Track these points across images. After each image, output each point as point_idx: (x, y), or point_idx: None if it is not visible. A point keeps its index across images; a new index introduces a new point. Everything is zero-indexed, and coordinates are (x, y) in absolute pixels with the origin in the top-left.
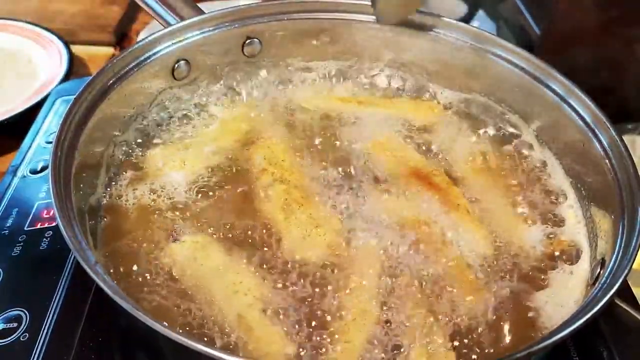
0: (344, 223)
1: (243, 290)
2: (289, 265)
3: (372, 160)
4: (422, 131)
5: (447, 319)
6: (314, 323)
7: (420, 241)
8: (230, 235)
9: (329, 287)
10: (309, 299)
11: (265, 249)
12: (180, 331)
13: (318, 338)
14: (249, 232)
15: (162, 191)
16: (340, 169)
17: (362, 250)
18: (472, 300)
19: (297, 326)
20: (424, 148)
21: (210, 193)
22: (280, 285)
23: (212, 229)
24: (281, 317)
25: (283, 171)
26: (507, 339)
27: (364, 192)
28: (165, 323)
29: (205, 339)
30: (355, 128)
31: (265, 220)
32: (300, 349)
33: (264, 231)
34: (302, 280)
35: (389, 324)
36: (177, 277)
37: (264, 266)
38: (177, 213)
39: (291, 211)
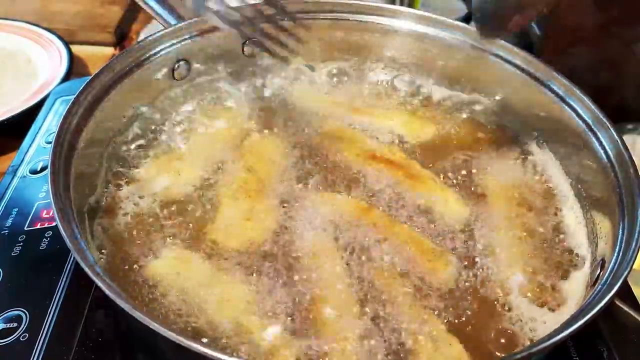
0: (281, 223)
1: (234, 297)
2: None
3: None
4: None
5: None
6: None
7: (372, 229)
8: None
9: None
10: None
11: (198, 228)
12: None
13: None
14: (196, 213)
15: (154, 199)
16: (315, 173)
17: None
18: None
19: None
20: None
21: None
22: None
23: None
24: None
25: (257, 162)
26: (506, 340)
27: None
28: (164, 324)
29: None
30: (354, 137)
31: (216, 203)
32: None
33: (207, 212)
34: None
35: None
36: (169, 287)
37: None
38: (166, 222)
39: (236, 199)
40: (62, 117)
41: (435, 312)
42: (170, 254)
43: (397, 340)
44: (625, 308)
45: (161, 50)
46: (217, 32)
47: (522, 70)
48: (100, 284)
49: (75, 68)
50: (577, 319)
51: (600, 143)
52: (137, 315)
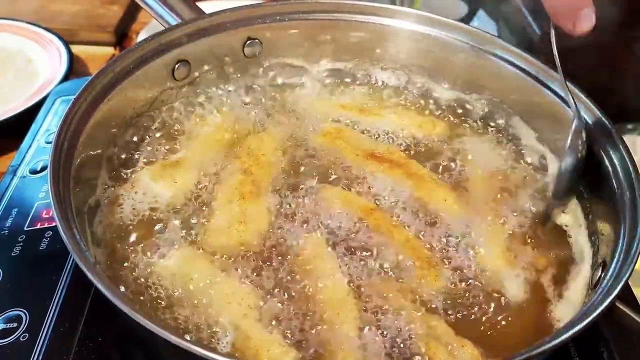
0: (274, 226)
1: (236, 300)
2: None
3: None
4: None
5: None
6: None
7: (371, 226)
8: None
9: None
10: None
11: (198, 230)
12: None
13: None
14: (195, 215)
15: (153, 199)
16: (311, 172)
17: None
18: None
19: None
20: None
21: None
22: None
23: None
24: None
25: (254, 164)
26: (509, 342)
27: (320, 191)
28: (162, 325)
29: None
30: (353, 137)
31: (212, 204)
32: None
33: (206, 214)
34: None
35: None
36: (168, 290)
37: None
38: (165, 223)
39: (231, 201)
40: (62, 117)
41: (440, 317)
42: (169, 255)
43: (407, 346)
44: (627, 310)
45: (161, 50)
46: (218, 32)
47: (522, 70)
48: (98, 285)
49: (75, 68)
50: (578, 321)
51: (601, 144)
52: (136, 316)
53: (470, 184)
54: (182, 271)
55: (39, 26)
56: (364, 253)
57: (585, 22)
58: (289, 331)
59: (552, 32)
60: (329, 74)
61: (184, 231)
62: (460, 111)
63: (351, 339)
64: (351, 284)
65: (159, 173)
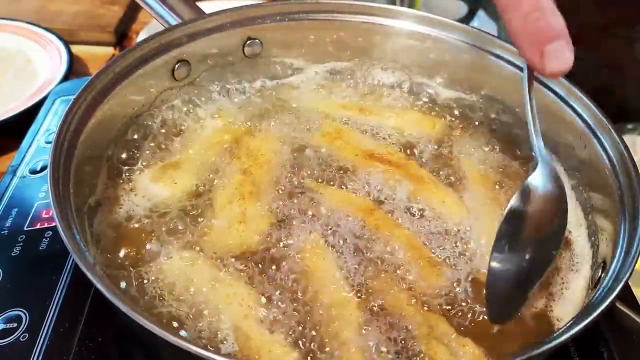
0: (275, 226)
1: (237, 301)
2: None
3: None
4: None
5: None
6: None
7: (372, 226)
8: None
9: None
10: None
11: (197, 232)
12: (182, 334)
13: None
14: (195, 215)
15: (153, 199)
16: (310, 172)
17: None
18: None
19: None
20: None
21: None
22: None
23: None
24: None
25: (253, 164)
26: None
27: (320, 191)
28: (162, 325)
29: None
30: (352, 137)
31: (211, 205)
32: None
33: (205, 214)
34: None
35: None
36: (168, 290)
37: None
38: (165, 223)
39: (231, 201)
40: (62, 117)
41: (441, 316)
42: (169, 255)
43: (409, 346)
44: (627, 310)
45: (161, 50)
46: (217, 32)
47: (522, 70)
48: (98, 285)
49: (75, 68)
50: (578, 321)
51: (601, 144)
52: (136, 316)
53: (470, 184)
54: (182, 271)
55: (39, 26)
56: (365, 253)
57: (554, 60)
58: (290, 332)
59: (526, 72)
60: (328, 74)
61: (184, 231)
62: (460, 111)
63: (352, 339)
64: (352, 284)
65: (158, 173)
